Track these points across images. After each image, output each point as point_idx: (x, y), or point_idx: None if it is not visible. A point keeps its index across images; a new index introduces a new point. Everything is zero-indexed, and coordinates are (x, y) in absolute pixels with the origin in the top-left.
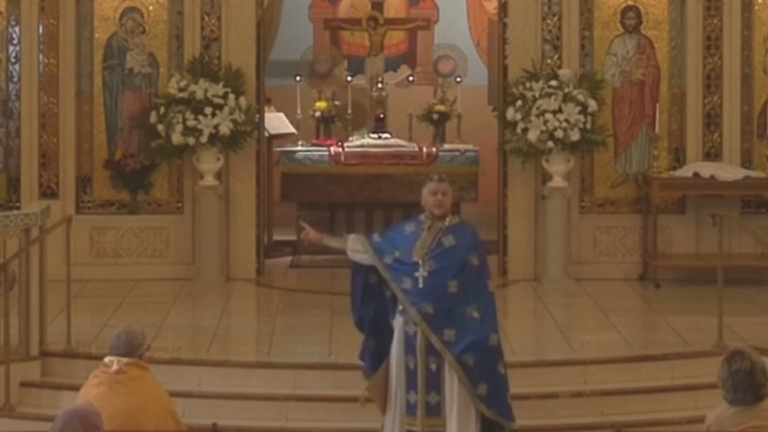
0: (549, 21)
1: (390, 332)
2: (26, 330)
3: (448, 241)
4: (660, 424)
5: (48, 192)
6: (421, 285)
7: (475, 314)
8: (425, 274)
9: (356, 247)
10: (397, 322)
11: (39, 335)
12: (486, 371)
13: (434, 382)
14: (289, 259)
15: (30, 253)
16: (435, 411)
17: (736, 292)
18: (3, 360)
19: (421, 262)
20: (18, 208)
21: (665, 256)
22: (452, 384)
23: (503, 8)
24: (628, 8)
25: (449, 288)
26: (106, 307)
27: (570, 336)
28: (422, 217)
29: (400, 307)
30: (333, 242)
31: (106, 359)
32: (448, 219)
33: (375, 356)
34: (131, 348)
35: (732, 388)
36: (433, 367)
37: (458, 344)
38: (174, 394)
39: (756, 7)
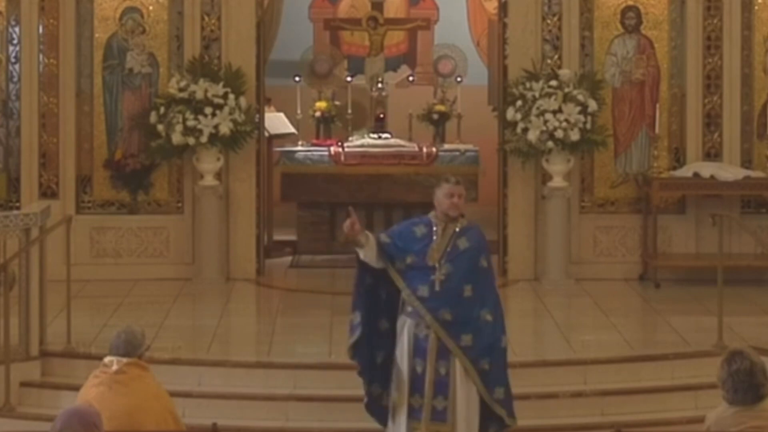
0: (549, 21)
1: (378, 337)
2: (26, 330)
3: (462, 243)
4: (660, 424)
5: (48, 192)
6: (437, 288)
7: (489, 317)
8: (442, 277)
9: (370, 252)
10: (406, 325)
11: (39, 335)
12: (500, 374)
13: (442, 387)
14: (289, 259)
15: (30, 253)
16: (441, 416)
17: (736, 292)
18: (3, 360)
19: (437, 265)
20: (18, 208)
21: (665, 256)
22: (463, 389)
23: (503, 8)
24: (628, 8)
25: (465, 292)
26: (106, 307)
27: (570, 336)
28: (431, 218)
29: (409, 309)
30: (362, 239)
31: (106, 359)
32: (459, 221)
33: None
34: (131, 348)
35: (732, 388)
36: (443, 371)
37: (474, 348)
38: (174, 394)
39: (756, 7)
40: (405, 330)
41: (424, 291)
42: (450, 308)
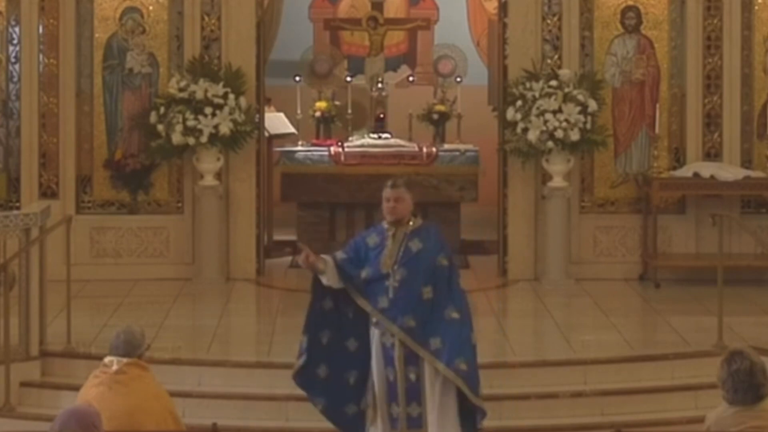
0: (549, 21)
1: (348, 358)
2: (26, 330)
3: (415, 245)
4: (660, 424)
5: (48, 192)
6: (391, 295)
7: (455, 315)
8: (395, 284)
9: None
10: (373, 335)
11: (39, 335)
12: (477, 373)
13: (414, 393)
14: (289, 259)
15: (30, 253)
16: (416, 423)
17: (736, 292)
18: (3, 360)
19: (390, 272)
20: (18, 208)
21: (665, 256)
22: (433, 393)
23: (503, 8)
24: (628, 8)
25: (424, 294)
26: (106, 307)
27: (570, 336)
28: (384, 225)
29: (374, 320)
30: (321, 265)
31: (106, 359)
32: (411, 223)
33: (321, 384)
34: (131, 348)
35: (732, 388)
36: (413, 377)
37: (446, 350)
38: (174, 394)
39: (756, 7)
40: (374, 341)
41: (384, 302)
42: (411, 313)
